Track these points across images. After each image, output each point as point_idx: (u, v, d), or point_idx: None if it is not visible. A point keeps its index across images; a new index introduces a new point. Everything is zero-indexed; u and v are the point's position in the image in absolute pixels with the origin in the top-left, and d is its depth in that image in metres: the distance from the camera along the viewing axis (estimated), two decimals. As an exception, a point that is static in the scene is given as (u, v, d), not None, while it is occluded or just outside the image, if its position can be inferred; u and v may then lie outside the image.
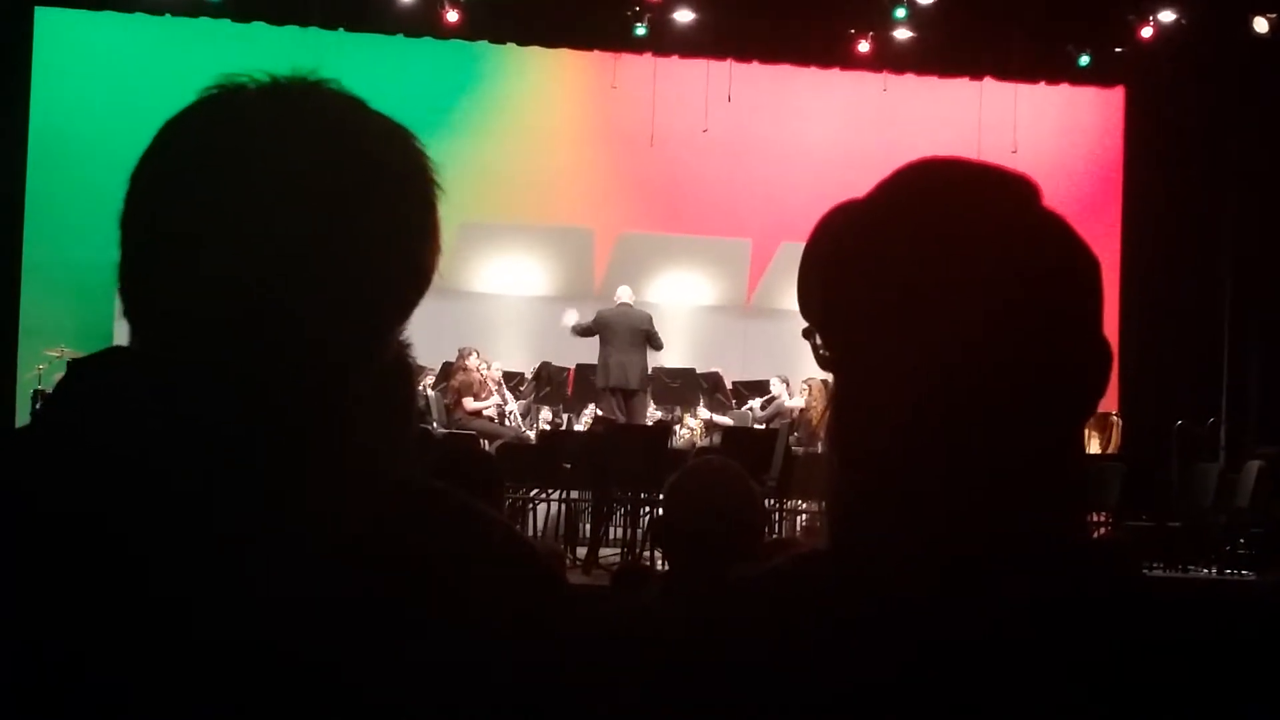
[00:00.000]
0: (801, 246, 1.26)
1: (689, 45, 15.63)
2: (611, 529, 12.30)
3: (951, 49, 15.56)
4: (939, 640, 1.13)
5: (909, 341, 1.16)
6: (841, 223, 1.23)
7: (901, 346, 1.16)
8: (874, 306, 1.18)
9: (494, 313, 16.49)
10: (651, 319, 14.32)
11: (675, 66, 16.16)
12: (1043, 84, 16.61)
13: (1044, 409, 1.17)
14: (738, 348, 16.32)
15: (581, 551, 11.56)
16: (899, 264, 1.17)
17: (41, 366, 13.36)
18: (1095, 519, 12.08)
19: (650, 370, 14.39)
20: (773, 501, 11.49)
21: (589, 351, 14.54)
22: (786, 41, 15.64)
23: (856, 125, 16.60)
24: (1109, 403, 14.57)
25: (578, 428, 14.18)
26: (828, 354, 1.23)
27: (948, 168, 1.23)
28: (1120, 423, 14.72)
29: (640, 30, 15.37)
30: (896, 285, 1.17)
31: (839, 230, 1.23)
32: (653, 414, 14.48)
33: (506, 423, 14.29)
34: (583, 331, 14.32)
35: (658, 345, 14.31)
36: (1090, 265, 1.21)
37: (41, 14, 15.23)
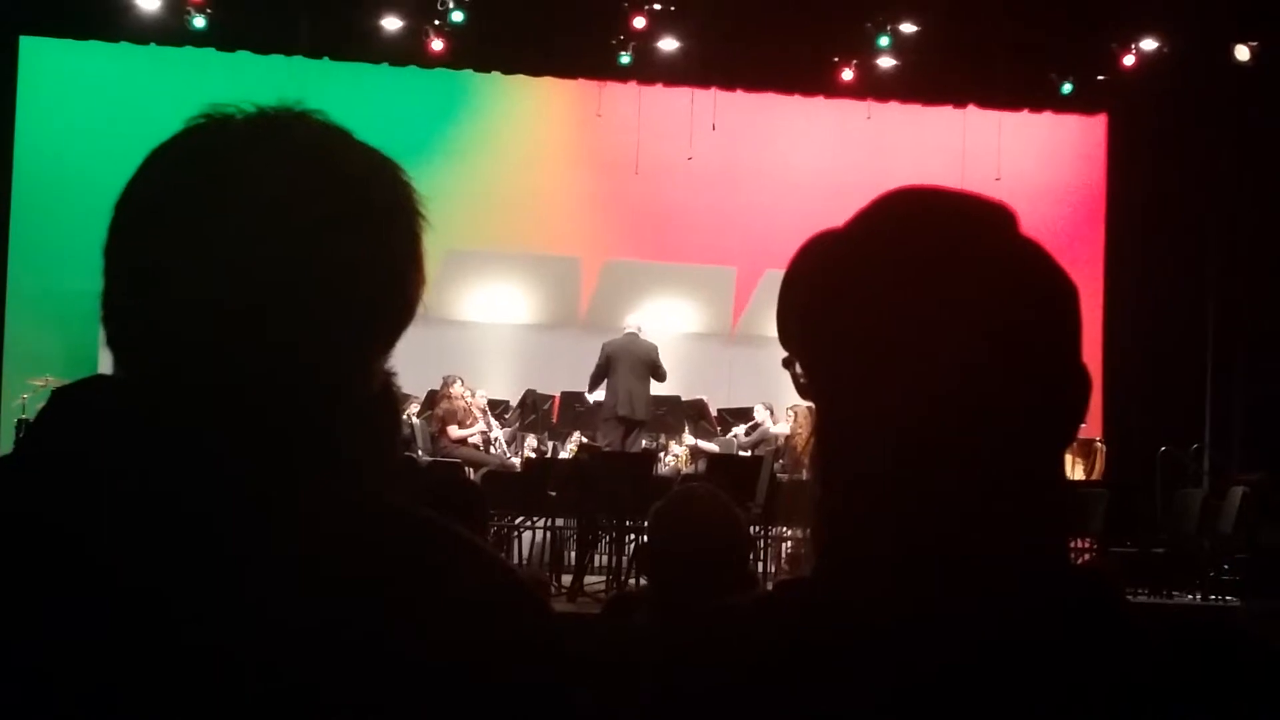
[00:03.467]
0: (785, 275, 1.27)
1: (673, 73, 15.67)
2: (597, 556, 12.29)
3: (935, 77, 15.62)
4: (923, 667, 1.13)
5: (887, 370, 1.17)
6: (819, 252, 1.24)
7: (880, 375, 1.17)
8: (852, 335, 1.19)
9: (479, 340, 16.48)
10: (657, 350, 14.18)
11: (660, 95, 16.21)
12: (1026, 112, 16.68)
13: (1024, 435, 1.17)
14: (723, 375, 16.32)
15: (567, 579, 11.54)
16: (876, 293, 1.18)
17: (26, 396, 13.32)
18: (1080, 545, 12.08)
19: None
20: (758, 528, 11.48)
21: (574, 379, 14.52)
22: (770, 69, 15.69)
23: (841, 153, 16.64)
24: (1093, 429, 14.59)
25: (563, 455, 14.15)
26: (807, 383, 1.23)
27: (925, 196, 1.24)
28: (1104, 449, 14.74)
29: (625, 59, 15.42)
30: (874, 314, 1.17)
31: (817, 259, 1.24)
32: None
33: (492, 450, 14.27)
34: (595, 374, 14.11)
35: (660, 377, 14.19)
36: (1068, 291, 1.21)
37: (26, 43, 15.24)
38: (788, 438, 14.33)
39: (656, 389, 14.44)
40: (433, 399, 14.31)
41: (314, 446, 1.16)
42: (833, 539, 1.22)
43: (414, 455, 12.88)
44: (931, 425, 1.16)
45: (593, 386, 14.24)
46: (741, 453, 14.24)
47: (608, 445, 13.53)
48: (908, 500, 1.16)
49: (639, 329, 14.31)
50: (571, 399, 14.75)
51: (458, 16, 14.97)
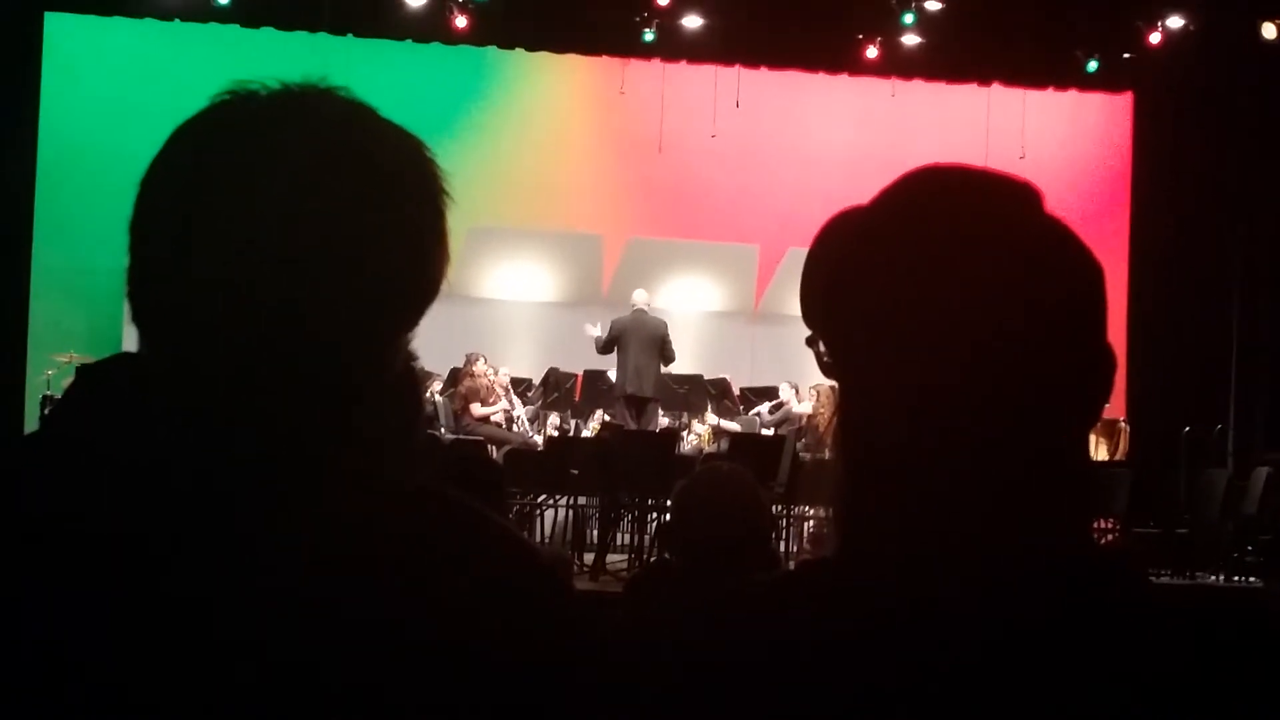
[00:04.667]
0: (808, 253, 1.26)
1: (697, 51, 15.63)
2: (619, 535, 12.30)
3: (960, 54, 15.55)
4: (946, 648, 1.13)
5: (911, 348, 1.16)
6: (843, 230, 1.23)
7: (904, 354, 1.16)
8: (876, 314, 1.18)
9: (502, 318, 16.50)
10: (667, 327, 14.18)
11: (683, 72, 16.17)
12: (1051, 90, 16.60)
13: (1048, 415, 1.17)
14: (745, 354, 16.31)
15: (589, 558, 11.56)
16: (901, 271, 1.17)
17: (50, 372, 13.39)
18: (1103, 526, 12.05)
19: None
20: (780, 508, 11.48)
21: (596, 357, 14.52)
22: (795, 47, 15.63)
23: (865, 131, 16.59)
24: (1117, 409, 14.54)
25: (585, 433, 14.17)
26: (830, 361, 1.23)
27: (950, 174, 1.23)
28: (1128, 429, 14.69)
29: (649, 36, 15.38)
30: (898, 292, 1.17)
31: (841, 237, 1.23)
32: (660, 420, 14.45)
33: (514, 428, 14.28)
34: (604, 347, 14.17)
35: (670, 357, 14.18)
36: (1093, 270, 1.21)
37: (51, 19, 15.26)
38: (810, 417, 14.32)
39: (675, 366, 14.43)
40: (455, 377, 14.33)
41: (336, 425, 1.16)
42: (854, 520, 1.21)
43: (436, 433, 12.91)
44: (955, 405, 1.15)
45: (602, 352, 14.26)
46: (764, 431, 14.23)
47: (622, 423, 13.54)
48: (929, 481, 1.16)
49: (646, 305, 14.29)
50: (594, 377, 14.74)
51: (481, -7, 14.97)
